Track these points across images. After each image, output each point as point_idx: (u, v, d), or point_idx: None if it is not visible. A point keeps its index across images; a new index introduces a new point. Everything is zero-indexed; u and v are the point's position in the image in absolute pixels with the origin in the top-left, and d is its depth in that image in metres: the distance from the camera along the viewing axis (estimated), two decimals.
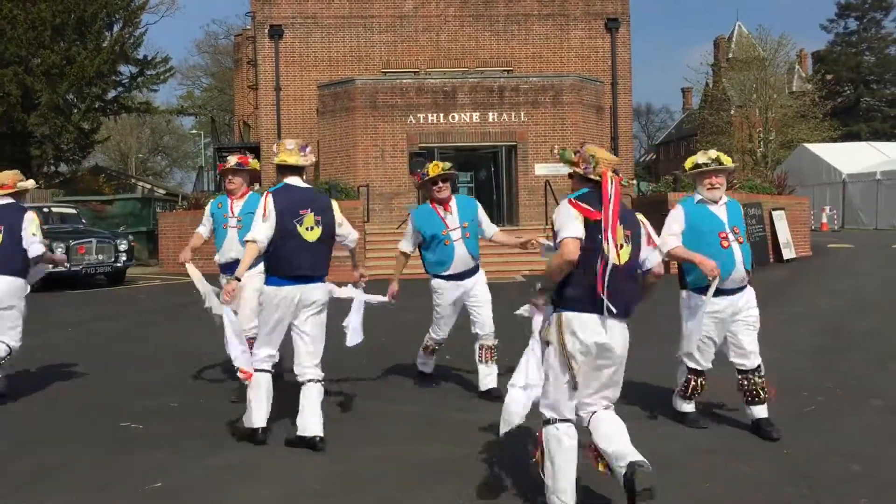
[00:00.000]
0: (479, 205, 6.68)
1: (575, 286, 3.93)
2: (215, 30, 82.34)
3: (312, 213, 5.37)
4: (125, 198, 26.40)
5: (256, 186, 7.44)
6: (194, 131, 58.57)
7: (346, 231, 5.66)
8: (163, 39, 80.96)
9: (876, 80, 53.29)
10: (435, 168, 6.49)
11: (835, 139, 40.52)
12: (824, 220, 30.64)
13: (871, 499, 4.22)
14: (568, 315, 3.94)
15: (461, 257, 6.47)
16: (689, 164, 5.53)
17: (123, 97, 30.25)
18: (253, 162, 6.68)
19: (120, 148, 56.40)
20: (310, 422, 5.26)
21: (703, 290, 5.27)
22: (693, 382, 5.55)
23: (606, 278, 3.85)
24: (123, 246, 16.87)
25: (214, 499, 4.41)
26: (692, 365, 5.53)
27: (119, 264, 16.73)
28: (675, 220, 5.41)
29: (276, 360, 5.56)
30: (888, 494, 4.28)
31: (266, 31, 24.57)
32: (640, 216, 4.27)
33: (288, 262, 5.29)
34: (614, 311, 3.89)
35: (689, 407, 5.69)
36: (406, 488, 4.51)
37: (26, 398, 6.79)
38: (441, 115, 21.54)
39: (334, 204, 5.60)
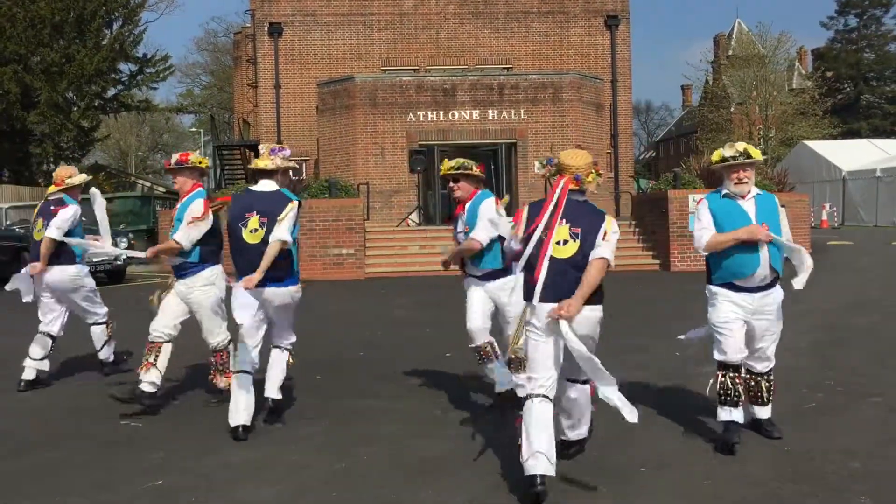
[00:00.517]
0: (487, 203, 5.96)
1: (524, 280, 4.59)
2: (215, 27, 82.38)
3: (258, 216, 5.47)
4: (125, 196, 26.41)
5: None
6: (194, 129, 58.57)
7: (278, 228, 5.40)
8: (162, 37, 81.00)
9: (876, 77, 53.27)
10: (443, 168, 6.22)
11: (835, 136, 40.53)
12: (824, 217, 30.63)
13: (872, 496, 4.22)
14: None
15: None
16: (715, 157, 5.25)
17: (123, 95, 30.26)
18: (196, 158, 6.22)
19: (119, 146, 56.42)
20: (268, 384, 5.73)
21: (726, 285, 5.13)
22: (721, 378, 5.10)
23: (542, 271, 4.42)
24: (123, 244, 16.88)
25: (215, 497, 4.41)
26: (717, 355, 5.17)
27: (119, 262, 16.74)
28: (702, 214, 5.24)
29: (256, 362, 5.59)
30: (889, 491, 4.28)
31: (265, 28, 24.57)
32: (608, 217, 4.55)
33: (234, 263, 5.62)
34: (536, 300, 4.40)
35: (724, 415, 5.08)
36: (405, 486, 4.51)
37: (25, 397, 6.79)
38: (441, 112, 21.54)
39: (289, 206, 5.46)
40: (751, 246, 5.03)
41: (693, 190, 17.35)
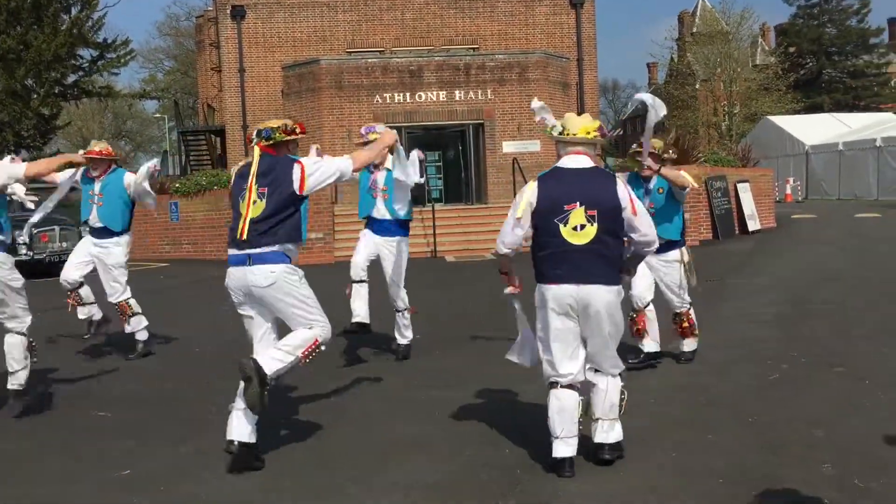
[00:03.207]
0: None
1: None
2: (176, 11, 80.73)
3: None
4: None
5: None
6: (158, 115, 57.74)
7: None
8: (123, 22, 79.63)
9: (837, 52, 53.76)
10: None
11: (798, 111, 40.94)
12: (788, 191, 31.00)
13: (834, 464, 4.31)
14: None
15: None
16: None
17: (84, 81, 29.67)
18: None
19: (82, 133, 55.44)
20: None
21: None
22: None
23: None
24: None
25: (185, 485, 4.39)
26: None
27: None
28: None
29: None
30: (851, 459, 4.37)
31: (228, 12, 24.22)
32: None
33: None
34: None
35: None
36: (379, 465, 4.53)
37: None
38: (407, 94, 21.43)
39: None
40: None
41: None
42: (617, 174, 4.60)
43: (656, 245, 4.57)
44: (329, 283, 7.94)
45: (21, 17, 26.29)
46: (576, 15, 25.17)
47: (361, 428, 5.25)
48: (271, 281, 4.55)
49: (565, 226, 4.25)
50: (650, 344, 6.55)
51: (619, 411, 4.46)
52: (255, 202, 4.59)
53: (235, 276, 4.64)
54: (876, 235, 17.15)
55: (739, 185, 18.83)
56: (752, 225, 18.77)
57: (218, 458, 4.77)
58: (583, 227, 4.23)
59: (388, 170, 6.97)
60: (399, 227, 7.21)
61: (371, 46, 24.38)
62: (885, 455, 4.41)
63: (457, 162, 22.60)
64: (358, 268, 7.37)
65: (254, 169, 4.67)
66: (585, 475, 4.29)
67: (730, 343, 7.39)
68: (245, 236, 4.56)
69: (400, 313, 7.23)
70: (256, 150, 4.75)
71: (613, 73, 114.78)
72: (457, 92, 21.57)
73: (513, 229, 4.39)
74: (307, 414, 5.65)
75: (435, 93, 21.52)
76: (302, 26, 24.46)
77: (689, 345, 6.74)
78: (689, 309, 6.64)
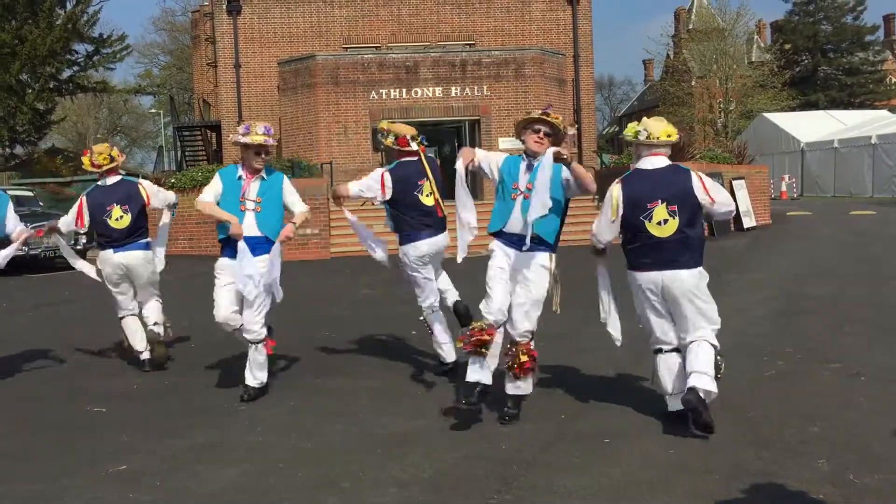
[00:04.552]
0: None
1: None
2: (172, 6, 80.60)
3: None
4: (84, 179, 25.89)
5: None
6: (153, 111, 57.66)
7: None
8: (118, 17, 79.27)
9: (833, 49, 53.81)
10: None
11: (793, 108, 40.99)
12: (783, 188, 31.05)
13: (829, 459, 4.32)
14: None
15: None
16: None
17: (79, 76, 29.65)
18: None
19: (77, 128, 55.36)
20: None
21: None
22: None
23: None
24: (83, 229, 16.59)
25: (180, 479, 4.38)
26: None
27: (79, 247, 16.45)
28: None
29: None
30: (846, 455, 4.38)
31: (224, 7, 24.16)
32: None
33: None
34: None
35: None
36: (373, 461, 4.52)
37: None
38: (403, 90, 21.42)
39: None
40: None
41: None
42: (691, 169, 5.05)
43: (733, 210, 5.10)
44: (326, 277, 7.92)
45: (16, 11, 26.26)
46: (572, 11, 25.16)
47: (355, 423, 5.24)
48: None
49: (650, 221, 4.84)
50: (489, 368, 5.12)
51: (716, 372, 4.81)
52: (430, 194, 6.13)
53: (431, 242, 6.17)
54: (870, 232, 17.19)
55: (735, 182, 18.85)
56: (748, 222, 18.80)
57: (211, 451, 4.77)
58: (666, 221, 4.82)
59: (263, 178, 5.93)
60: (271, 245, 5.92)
61: (367, 42, 24.35)
62: (881, 450, 4.42)
63: (453, 158, 22.48)
64: (229, 318, 5.91)
65: (428, 169, 6.22)
66: (579, 469, 4.29)
67: (725, 339, 7.37)
68: (442, 214, 6.17)
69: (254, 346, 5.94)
70: (422, 154, 6.15)
71: (610, 70, 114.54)
72: (453, 88, 21.56)
73: (608, 228, 5.05)
74: (300, 408, 5.64)
75: (431, 89, 21.51)
76: (298, 22, 24.41)
77: (523, 387, 5.13)
78: (531, 340, 5.14)
